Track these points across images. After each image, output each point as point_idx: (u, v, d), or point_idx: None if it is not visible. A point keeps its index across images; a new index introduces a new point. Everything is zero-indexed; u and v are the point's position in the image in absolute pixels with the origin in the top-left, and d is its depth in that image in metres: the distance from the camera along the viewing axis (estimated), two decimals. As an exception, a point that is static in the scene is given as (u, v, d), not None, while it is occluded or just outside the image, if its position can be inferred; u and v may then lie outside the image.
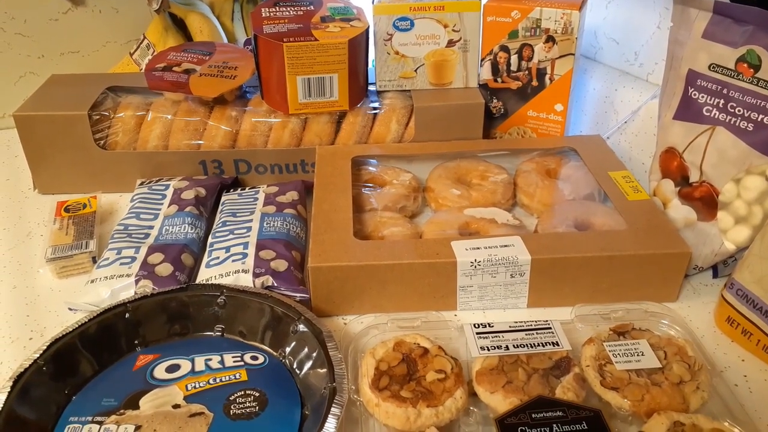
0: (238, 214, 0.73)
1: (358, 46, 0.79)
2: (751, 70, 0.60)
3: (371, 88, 0.87)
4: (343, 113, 0.83)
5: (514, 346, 0.55)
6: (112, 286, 0.63)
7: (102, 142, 0.82)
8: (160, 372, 0.56)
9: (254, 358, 0.57)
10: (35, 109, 0.81)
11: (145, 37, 1.01)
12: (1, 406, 0.49)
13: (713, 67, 0.63)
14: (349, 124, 0.82)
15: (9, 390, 0.51)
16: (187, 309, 0.61)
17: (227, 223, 0.71)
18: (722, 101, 0.63)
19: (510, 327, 0.57)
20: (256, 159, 0.82)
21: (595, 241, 0.64)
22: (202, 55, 0.86)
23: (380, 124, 0.83)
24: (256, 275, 0.63)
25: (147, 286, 0.63)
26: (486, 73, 0.85)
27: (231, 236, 0.69)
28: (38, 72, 1.03)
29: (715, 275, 0.69)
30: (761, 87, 0.60)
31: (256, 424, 0.51)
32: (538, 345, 0.55)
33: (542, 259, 0.62)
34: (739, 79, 0.61)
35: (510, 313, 0.65)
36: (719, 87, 0.63)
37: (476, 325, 0.57)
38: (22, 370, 0.52)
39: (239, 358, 0.57)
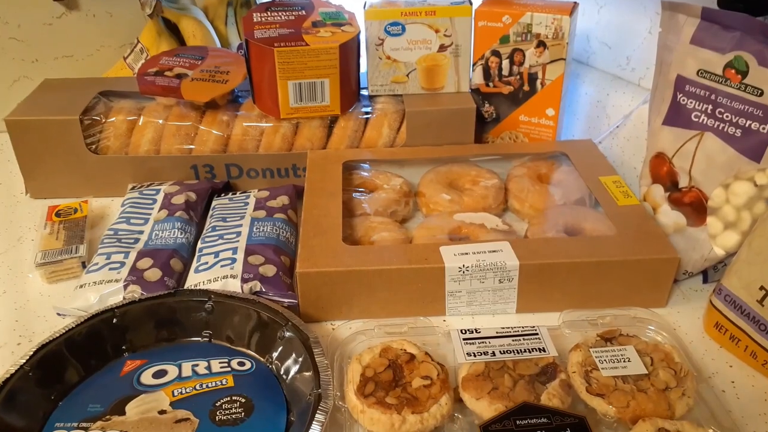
0: (228, 219, 0.73)
1: (349, 51, 0.79)
2: (739, 76, 0.60)
3: (363, 92, 0.87)
4: (334, 118, 0.83)
5: (500, 352, 0.55)
6: (100, 291, 0.63)
7: (94, 146, 0.82)
8: (147, 378, 0.56)
9: (241, 363, 0.57)
10: (27, 114, 0.81)
11: (138, 42, 1.01)
12: (-14, 412, 0.50)
13: (701, 73, 0.63)
14: (340, 128, 0.82)
15: (-6, 396, 0.51)
16: (175, 314, 0.61)
17: (217, 228, 0.71)
18: (710, 107, 0.63)
19: (497, 333, 0.57)
20: (248, 163, 0.82)
21: (584, 246, 0.64)
22: (194, 60, 0.86)
23: (372, 128, 0.83)
24: (244, 280, 0.63)
25: (135, 292, 0.63)
26: (477, 78, 0.85)
27: (220, 241, 0.69)
28: (32, 76, 1.03)
29: (705, 281, 0.69)
30: (749, 93, 0.60)
31: (241, 430, 0.51)
32: (525, 351, 0.55)
33: (530, 265, 0.62)
34: (727, 85, 0.61)
35: (499, 318, 0.65)
36: (707, 93, 0.63)
37: (463, 331, 0.57)
38: (8, 375, 0.52)
39: (226, 364, 0.57)
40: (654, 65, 0.70)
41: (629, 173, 0.84)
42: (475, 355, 0.54)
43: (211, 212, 0.76)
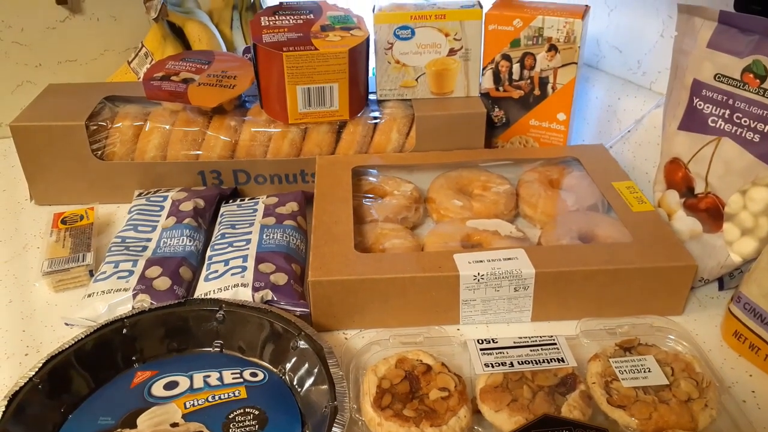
0: (237, 226, 0.72)
1: (358, 55, 0.78)
2: (757, 80, 0.59)
3: (372, 97, 0.86)
4: (343, 123, 0.82)
5: (518, 362, 0.54)
6: (109, 300, 0.62)
7: (99, 152, 0.81)
8: (158, 389, 0.55)
9: (254, 374, 0.56)
10: (32, 120, 0.80)
11: (143, 46, 1.00)
12: (-4, 426, 0.49)
13: (719, 77, 0.62)
14: (349, 133, 0.81)
15: (4, 409, 0.50)
16: (186, 324, 0.60)
17: (226, 236, 0.70)
18: (728, 112, 0.62)
19: (514, 343, 0.56)
20: (256, 169, 0.81)
21: (600, 253, 0.63)
22: (200, 64, 0.85)
23: (381, 133, 0.82)
24: (255, 289, 0.62)
25: (145, 301, 0.62)
26: (488, 82, 0.85)
27: (230, 249, 0.68)
28: (35, 81, 1.02)
29: (721, 288, 0.68)
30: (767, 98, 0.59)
31: (255, 444, 0.50)
32: (543, 361, 0.54)
33: (546, 273, 0.61)
34: (745, 90, 0.60)
35: (514, 327, 0.64)
36: (725, 97, 0.62)
37: (480, 341, 0.56)
38: (17, 388, 0.51)
39: (238, 375, 0.56)
40: (666, 69, 0.69)
41: (641, 178, 0.83)
42: (493, 366, 0.53)
43: (219, 219, 0.75)
